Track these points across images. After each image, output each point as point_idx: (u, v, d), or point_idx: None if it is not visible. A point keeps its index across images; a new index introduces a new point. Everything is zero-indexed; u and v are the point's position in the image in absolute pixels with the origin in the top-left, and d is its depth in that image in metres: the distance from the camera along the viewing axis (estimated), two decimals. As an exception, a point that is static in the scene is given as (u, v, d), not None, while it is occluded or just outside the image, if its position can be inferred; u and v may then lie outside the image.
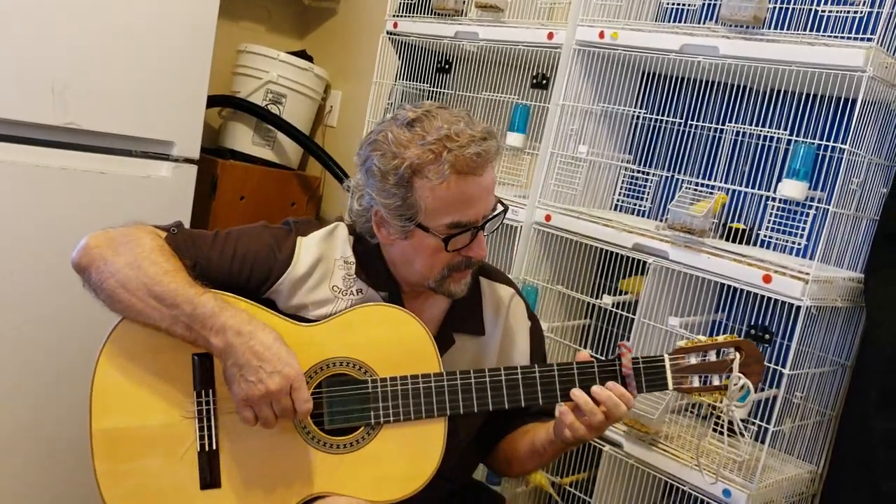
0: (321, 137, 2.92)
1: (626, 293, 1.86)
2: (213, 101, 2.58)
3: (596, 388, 1.30)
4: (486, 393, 1.32)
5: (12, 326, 1.84)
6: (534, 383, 1.33)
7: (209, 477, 1.28)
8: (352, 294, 1.38)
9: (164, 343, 1.27)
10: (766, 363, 1.55)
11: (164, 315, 1.24)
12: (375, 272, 1.39)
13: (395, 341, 1.33)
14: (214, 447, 1.28)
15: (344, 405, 1.31)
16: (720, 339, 1.36)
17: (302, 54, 2.78)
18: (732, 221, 1.81)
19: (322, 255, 1.38)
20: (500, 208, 1.35)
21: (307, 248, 1.37)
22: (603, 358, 1.38)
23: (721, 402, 1.37)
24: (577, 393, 1.30)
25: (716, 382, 1.34)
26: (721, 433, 1.67)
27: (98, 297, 1.28)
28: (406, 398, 1.31)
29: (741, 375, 1.33)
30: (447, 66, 2.39)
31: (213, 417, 1.29)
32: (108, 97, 1.90)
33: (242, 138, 2.69)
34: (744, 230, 1.74)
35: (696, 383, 1.35)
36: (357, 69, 2.77)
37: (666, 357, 1.34)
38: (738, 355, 1.34)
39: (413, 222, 1.30)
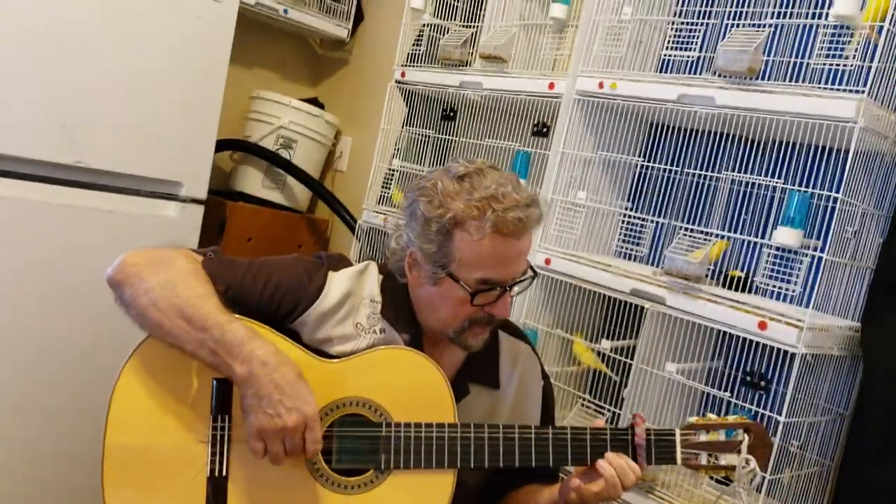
0: (331, 182, 2.97)
1: (578, 363, 1.88)
2: (224, 144, 2.64)
3: (610, 457, 1.31)
4: (499, 450, 1.33)
5: (18, 363, 1.86)
6: (546, 445, 1.34)
7: (215, 503, 1.28)
8: (374, 333, 1.39)
9: (186, 365, 1.28)
10: (762, 410, 1.55)
11: (191, 337, 1.25)
12: (400, 314, 1.41)
13: (412, 386, 1.34)
14: (224, 474, 1.29)
15: (356, 446, 1.32)
16: (730, 419, 1.38)
17: (313, 101, 2.85)
18: (730, 268, 1.82)
19: (351, 290, 1.39)
20: (530, 273, 1.37)
21: (338, 282, 1.39)
22: (609, 409, 1.38)
23: (731, 479, 1.38)
24: (601, 464, 1.31)
25: (723, 462, 1.35)
26: (718, 482, 1.66)
27: (128, 313, 1.30)
28: (419, 447, 1.31)
29: (750, 458, 1.34)
30: (452, 114, 2.44)
31: (226, 444, 1.29)
32: (117, 137, 1.94)
33: (252, 181, 2.74)
34: (741, 277, 1.75)
35: (703, 461, 1.35)
36: (366, 116, 2.83)
37: (677, 432, 1.36)
38: (746, 437, 1.35)
39: (445, 270, 1.32)
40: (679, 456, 1.34)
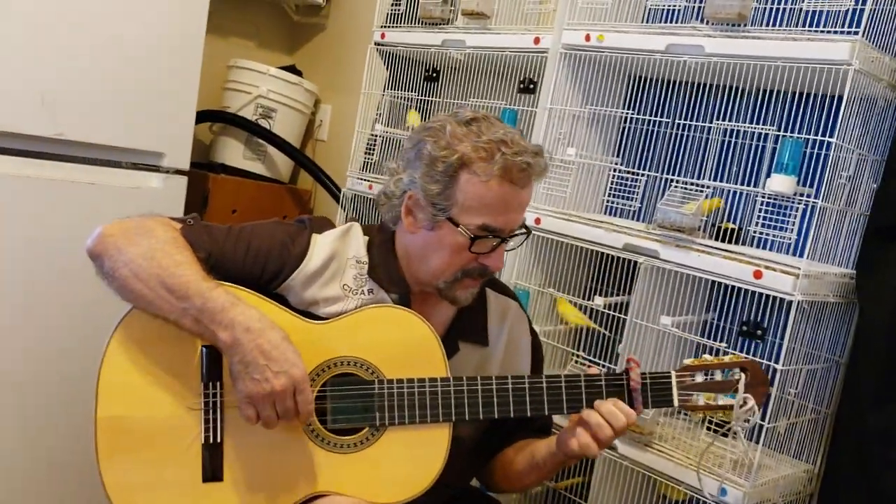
0: (311, 151, 2.92)
1: (564, 322, 1.89)
2: (203, 116, 2.59)
3: (598, 403, 1.31)
4: (493, 401, 1.32)
5: (2, 339, 1.82)
6: (540, 394, 1.33)
7: (211, 470, 1.27)
8: (362, 294, 1.37)
9: (173, 334, 1.26)
10: (759, 359, 1.55)
11: (173, 307, 1.23)
12: (388, 273, 1.40)
13: (403, 343, 1.33)
14: (219, 440, 1.28)
15: (349, 405, 1.31)
16: (726, 359, 1.38)
17: (291, 69, 2.79)
18: (723, 221, 1.81)
19: (335, 252, 1.38)
20: (524, 229, 1.37)
21: (321, 245, 1.37)
22: (605, 365, 1.38)
23: (729, 420, 1.37)
24: (587, 413, 1.31)
25: (720, 402, 1.35)
26: (714, 432, 1.66)
27: (110, 285, 1.28)
28: (412, 402, 1.30)
29: (748, 396, 1.34)
30: (435, 75, 2.40)
31: (218, 410, 1.28)
32: (97, 108, 1.89)
33: (233, 153, 2.69)
34: (734, 229, 1.74)
35: (701, 402, 1.35)
36: (346, 83, 2.78)
37: (673, 374, 1.36)
38: (743, 376, 1.35)
39: (446, 214, 1.31)
40: (676, 398, 1.34)
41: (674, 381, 1.35)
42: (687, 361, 1.37)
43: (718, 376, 1.35)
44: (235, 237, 1.35)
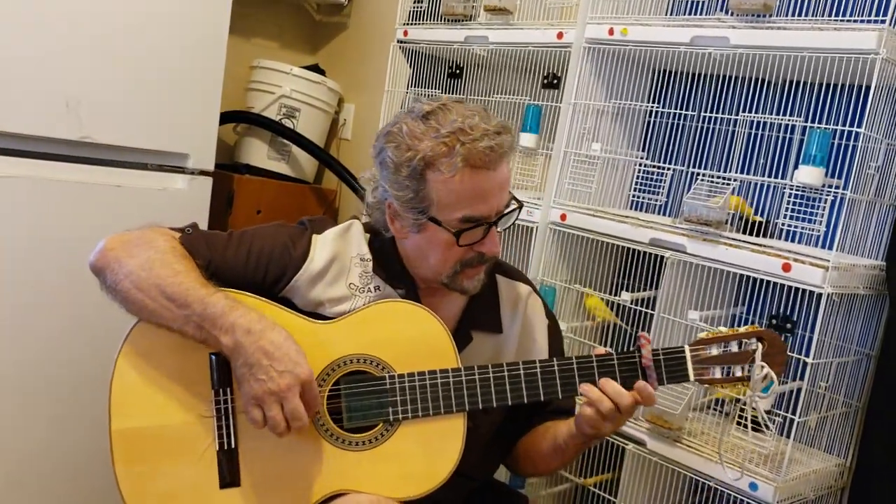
0: (336, 150, 2.93)
1: (592, 317, 1.87)
2: (227, 117, 2.60)
3: (602, 382, 1.29)
4: (505, 387, 1.31)
5: (30, 338, 1.85)
6: (552, 377, 1.31)
7: (228, 476, 1.27)
8: (369, 291, 1.37)
9: (181, 343, 1.27)
10: (789, 353, 1.53)
11: (175, 315, 1.24)
12: (392, 269, 1.39)
13: (412, 338, 1.32)
14: (234, 446, 1.28)
15: (362, 402, 1.31)
16: (742, 329, 1.34)
17: (314, 68, 2.80)
18: (749, 215, 1.79)
19: (337, 252, 1.38)
20: (514, 205, 1.34)
21: (322, 245, 1.37)
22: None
23: (744, 393, 1.35)
24: (584, 387, 1.29)
25: (738, 374, 1.32)
26: (745, 427, 1.65)
27: (114, 298, 1.29)
28: (424, 394, 1.30)
29: (764, 365, 1.31)
30: (458, 72, 2.40)
31: (231, 416, 1.28)
32: (122, 111, 1.92)
33: (258, 153, 2.71)
34: (762, 223, 1.73)
35: (717, 374, 1.32)
36: (369, 81, 2.79)
37: (686, 348, 1.32)
38: (760, 346, 1.31)
39: (425, 215, 1.30)
40: (691, 372, 1.31)
41: (688, 354, 1.31)
42: (702, 334, 1.35)
43: (734, 348, 1.31)
44: (236, 243, 1.35)
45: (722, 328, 1.36)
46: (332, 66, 2.92)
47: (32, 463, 1.89)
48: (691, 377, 1.32)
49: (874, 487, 1.67)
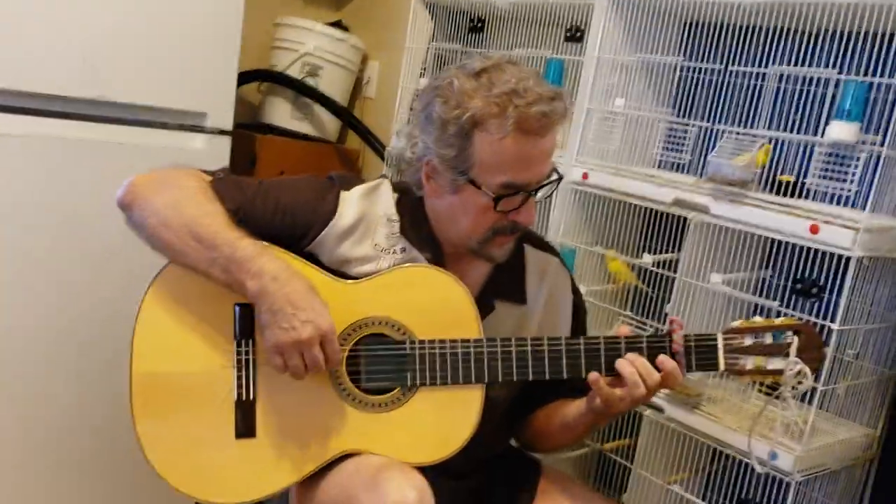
0: (360, 110, 2.89)
1: (615, 280, 1.82)
2: (249, 75, 2.58)
3: (632, 356, 1.26)
4: (527, 363, 1.29)
5: (48, 301, 1.86)
6: (578, 355, 1.28)
7: (244, 426, 1.28)
8: (395, 253, 1.35)
9: (208, 290, 1.26)
10: (814, 319, 1.47)
11: (202, 256, 1.22)
12: (419, 232, 1.36)
13: (436, 304, 1.30)
14: (252, 397, 1.28)
15: (381, 365, 1.29)
16: (777, 321, 1.29)
17: (338, 25, 2.75)
18: (779, 174, 1.71)
19: (365, 210, 1.35)
20: (555, 176, 1.30)
21: (350, 202, 1.34)
22: (648, 326, 1.32)
23: (778, 386, 1.30)
24: (621, 363, 1.26)
25: (770, 367, 1.27)
26: (767, 395, 1.59)
27: (140, 235, 1.28)
28: (444, 362, 1.28)
29: (798, 360, 1.26)
30: (480, 25, 2.33)
31: (251, 368, 1.28)
32: (138, 69, 1.89)
33: (281, 113, 2.68)
34: (792, 182, 1.65)
35: (749, 365, 1.28)
36: (393, 38, 2.72)
37: (719, 336, 1.28)
38: (795, 339, 1.27)
39: (465, 176, 1.26)
40: (722, 362, 1.27)
41: (720, 343, 1.28)
42: (735, 323, 1.30)
43: (769, 339, 1.27)
44: (265, 193, 1.33)
45: (757, 318, 1.31)
46: (358, 22, 2.87)
47: (51, 417, 1.91)
48: (721, 367, 1.28)
49: (905, 458, 1.61)
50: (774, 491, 1.62)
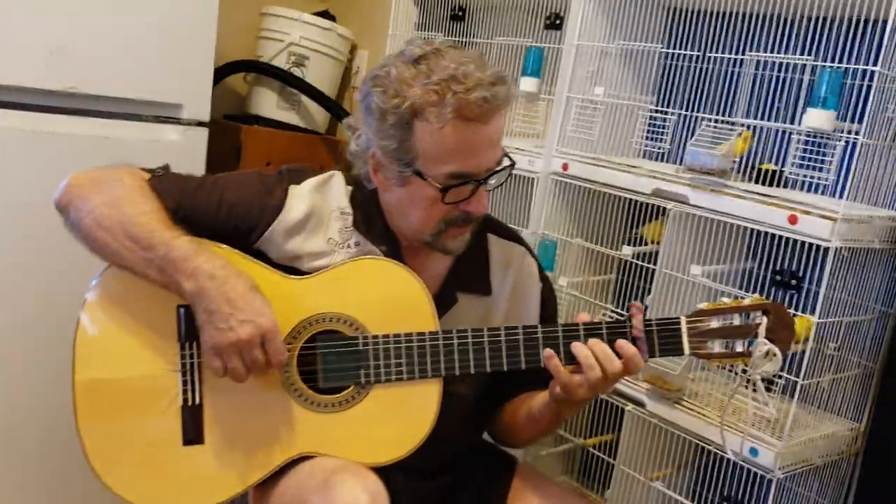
0: (349, 100, 2.85)
1: (646, 242, 1.74)
2: (234, 66, 2.55)
3: (592, 342, 1.20)
4: (484, 353, 1.24)
5: (20, 298, 1.83)
6: (536, 344, 1.23)
7: (192, 432, 1.24)
8: (349, 247, 1.30)
9: (151, 292, 1.22)
10: (793, 311, 1.43)
11: (138, 257, 1.19)
12: (374, 225, 1.32)
13: (389, 298, 1.26)
14: (198, 402, 1.24)
15: (333, 363, 1.25)
16: (746, 301, 1.24)
17: (325, 14, 2.72)
18: (760, 163, 1.67)
19: (315, 204, 1.31)
20: (506, 162, 1.25)
21: (299, 196, 1.30)
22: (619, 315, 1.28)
23: (746, 369, 1.26)
24: (577, 346, 1.21)
25: (739, 349, 1.22)
26: (754, 390, 1.56)
27: (76, 236, 1.25)
28: (399, 357, 1.23)
29: (766, 342, 1.21)
30: (461, 14, 2.29)
31: (197, 371, 1.24)
32: (110, 60, 1.86)
33: (268, 104, 2.64)
34: (774, 171, 1.61)
35: (717, 349, 1.22)
36: (381, 27, 2.68)
37: (683, 320, 1.23)
38: (765, 319, 1.21)
39: (410, 168, 1.21)
40: (686, 345, 1.22)
41: (684, 327, 1.22)
42: (702, 305, 1.24)
43: (737, 321, 1.22)
44: (209, 189, 1.29)
45: (725, 300, 1.26)
46: (344, 12, 2.83)
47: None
48: (686, 351, 1.22)
49: (890, 452, 1.57)
50: (757, 488, 1.59)
